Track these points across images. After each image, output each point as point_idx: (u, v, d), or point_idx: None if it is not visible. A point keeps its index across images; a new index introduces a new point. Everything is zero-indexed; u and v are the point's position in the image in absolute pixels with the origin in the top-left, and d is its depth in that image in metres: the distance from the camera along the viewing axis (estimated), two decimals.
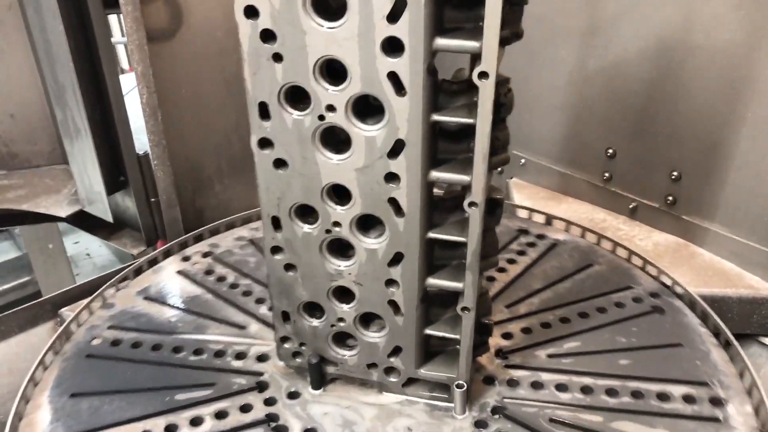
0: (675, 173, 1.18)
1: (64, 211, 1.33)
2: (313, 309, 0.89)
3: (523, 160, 1.41)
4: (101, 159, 1.21)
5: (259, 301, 1.11)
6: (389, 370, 0.90)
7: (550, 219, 1.22)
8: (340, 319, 0.88)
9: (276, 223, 0.82)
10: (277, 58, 0.71)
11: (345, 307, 0.86)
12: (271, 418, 0.89)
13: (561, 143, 1.32)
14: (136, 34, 1.06)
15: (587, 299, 1.08)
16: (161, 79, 1.14)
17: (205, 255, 1.22)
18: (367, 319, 0.88)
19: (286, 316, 0.90)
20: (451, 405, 0.89)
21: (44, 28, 1.09)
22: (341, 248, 0.83)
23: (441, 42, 0.67)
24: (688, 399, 0.89)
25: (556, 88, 1.29)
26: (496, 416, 0.88)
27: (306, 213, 0.81)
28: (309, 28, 0.68)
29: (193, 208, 1.30)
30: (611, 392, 0.91)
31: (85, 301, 1.10)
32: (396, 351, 0.88)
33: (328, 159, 0.76)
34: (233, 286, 1.14)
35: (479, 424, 0.87)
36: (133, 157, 1.22)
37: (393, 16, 0.65)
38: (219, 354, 1.00)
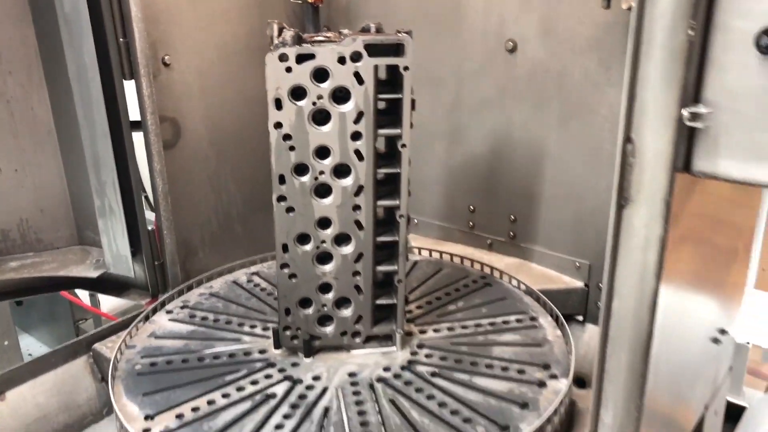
0: (512, 216, 1.86)
1: (93, 274, 1.72)
2: (306, 303, 1.42)
3: (416, 221, 2.05)
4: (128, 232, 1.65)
5: (240, 324, 1.59)
6: (355, 334, 1.45)
7: (437, 252, 1.88)
8: (323, 306, 1.42)
9: (285, 247, 1.36)
10: (291, 148, 1.29)
11: (326, 296, 1.42)
12: (287, 377, 1.39)
13: (440, 206, 1.99)
14: (156, 145, 1.58)
15: (446, 286, 1.73)
16: (169, 174, 1.65)
17: (183, 307, 1.67)
18: (339, 303, 1.43)
19: (287, 311, 1.42)
20: (394, 348, 1.46)
21: (95, 144, 1.54)
22: (324, 258, 1.39)
23: (381, 131, 1.30)
24: (519, 320, 1.57)
25: (434, 169, 1.96)
26: (421, 349, 1.47)
27: (304, 238, 1.37)
28: (310, 131, 1.28)
29: (184, 269, 1.76)
30: (479, 325, 1.55)
31: (120, 341, 1.50)
32: (359, 319, 1.44)
33: (318, 202, 1.33)
34: (216, 320, 1.61)
35: (413, 354, 1.45)
36: (145, 231, 1.67)
37: (356, 121, 1.28)
38: (232, 355, 1.46)
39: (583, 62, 1.63)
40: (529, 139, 1.78)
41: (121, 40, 1.60)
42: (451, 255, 1.85)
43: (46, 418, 1.60)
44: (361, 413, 1.27)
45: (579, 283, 1.79)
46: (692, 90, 0.94)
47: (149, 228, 1.71)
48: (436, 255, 1.89)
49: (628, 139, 0.97)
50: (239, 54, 1.87)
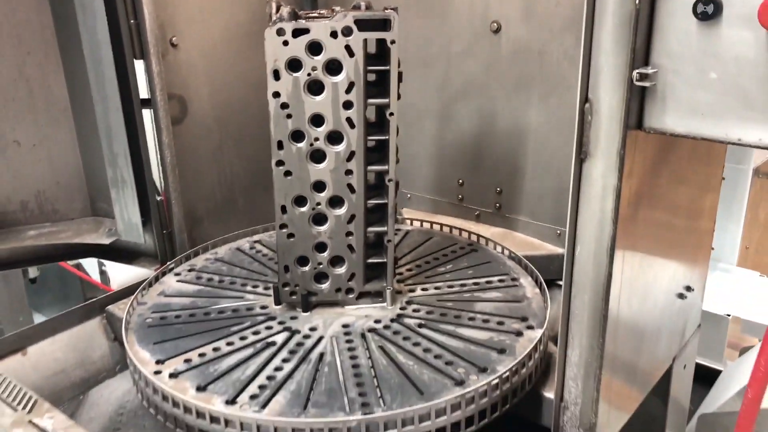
0: (498, 189, 1.98)
1: (105, 241, 1.85)
2: (303, 261, 1.55)
3: (409, 195, 2.17)
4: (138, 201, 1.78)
5: (243, 285, 1.71)
6: (348, 290, 1.58)
7: (427, 222, 2.01)
8: (319, 264, 1.55)
9: (283, 209, 1.49)
10: (288, 116, 1.41)
11: (322, 255, 1.54)
12: (286, 328, 1.51)
13: (430, 181, 2.10)
14: (165, 120, 1.70)
15: (435, 252, 1.85)
16: (176, 149, 1.77)
17: (190, 270, 1.80)
18: (334, 261, 1.56)
19: (286, 269, 1.54)
20: (385, 303, 1.59)
21: (108, 117, 1.66)
22: (320, 219, 1.52)
23: (370, 101, 1.42)
24: (501, 280, 1.69)
25: (425, 146, 2.07)
26: (409, 305, 1.59)
27: (300, 201, 1.49)
28: (305, 100, 1.40)
29: (191, 238, 1.89)
30: (464, 284, 1.67)
31: (131, 298, 1.63)
32: (352, 276, 1.56)
33: (314, 167, 1.46)
34: (220, 281, 1.73)
35: (402, 309, 1.58)
36: (154, 201, 1.80)
37: (348, 90, 1.40)
38: (235, 310, 1.59)
39: (561, 41, 1.75)
40: (513, 115, 1.90)
41: (131, 21, 1.72)
42: (441, 225, 1.97)
43: (64, 372, 1.73)
44: (353, 357, 1.39)
45: (560, 250, 1.91)
46: (642, 54, 1.06)
47: (158, 199, 1.84)
48: (426, 225, 2.01)
49: (585, 99, 1.09)
50: (241, 36, 2.00)
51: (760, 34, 0.94)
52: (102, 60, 1.70)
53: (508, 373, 1.31)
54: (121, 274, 3.02)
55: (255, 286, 1.69)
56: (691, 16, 0.99)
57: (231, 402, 1.27)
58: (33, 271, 3.15)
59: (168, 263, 1.78)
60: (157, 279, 1.73)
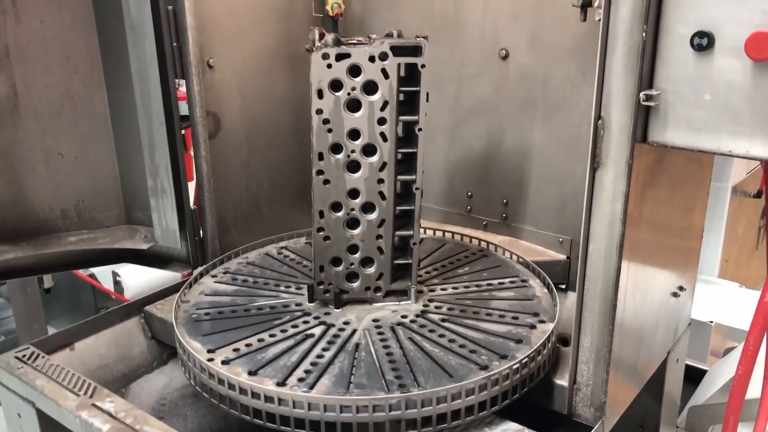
0: (505, 200, 2.15)
1: (143, 246, 1.98)
2: (337, 261, 1.71)
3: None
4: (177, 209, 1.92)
5: (277, 285, 1.86)
6: (377, 289, 1.74)
7: (440, 231, 2.18)
8: (351, 264, 1.71)
9: (321, 214, 1.65)
10: (329, 131, 1.58)
11: (354, 256, 1.70)
12: (322, 322, 1.67)
13: (441, 193, 2.26)
14: (203, 135, 1.87)
15: (449, 257, 2.02)
16: (212, 160, 1.93)
17: (225, 273, 1.94)
18: (364, 262, 1.72)
19: (321, 269, 1.70)
20: (409, 300, 1.75)
21: (152, 131, 1.82)
22: (353, 223, 1.68)
23: (401, 118, 1.60)
24: (512, 282, 1.86)
25: (437, 161, 2.23)
26: (431, 303, 1.76)
27: (337, 206, 1.66)
28: (345, 116, 1.57)
29: (221, 245, 2.04)
30: (479, 285, 1.84)
31: (175, 296, 1.77)
32: (380, 276, 1.72)
33: (350, 176, 1.62)
34: (255, 282, 1.88)
35: (425, 306, 1.74)
36: (189, 210, 1.95)
37: (382, 108, 1.57)
38: (273, 307, 1.74)
39: (564, 67, 1.94)
40: (519, 133, 2.09)
41: (174, 44, 1.89)
42: (453, 233, 2.15)
43: (107, 367, 1.86)
44: (385, 347, 1.55)
45: (562, 256, 2.09)
46: (647, 78, 1.25)
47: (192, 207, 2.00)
48: (439, 234, 2.18)
49: (599, 117, 1.28)
50: (269, 59, 2.17)
51: (746, 62, 1.13)
52: (149, 78, 1.86)
53: (526, 359, 1.48)
54: (136, 284, 3.15)
55: (288, 287, 1.85)
56: (689, 47, 1.18)
57: (281, 384, 1.42)
58: (48, 281, 3.26)
59: (206, 266, 1.93)
60: (196, 280, 1.88)
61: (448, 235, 2.16)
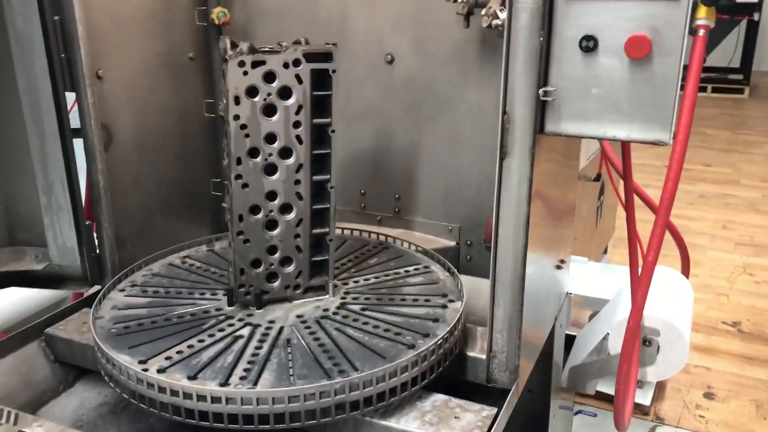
0: (397, 195, 2.28)
1: (37, 267, 1.87)
2: (257, 263, 1.75)
3: None
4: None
5: (191, 293, 1.86)
6: (296, 287, 1.80)
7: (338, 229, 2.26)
8: (271, 264, 1.76)
9: (240, 217, 1.69)
10: (246, 135, 1.62)
11: (273, 257, 1.76)
12: (247, 323, 1.70)
13: (339, 192, 2.37)
14: (98, 147, 1.83)
15: (352, 252, 2.13)
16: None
17: (132, 286, 1.91)
18: (284, 262, 1.78)
19: (242, 272, 1.74)
20: (327, 295, 1.83)
21: (44, 147, 1.74)
22: (272, 224, 1.74)
23: (315, 121, 1.69)
24: (416, 269, 2.00)
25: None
26: (348, 295, 1.85)
27: (255, 209, 1.70)
28: (261, 121, 1.63)
29: (119, 260, 1.99)
30: (388, 274, 1.97)
31: (74, 316, 1.72)
32: (299, 274, 1.79)
33: (267, 179, 1.68)
34: (167, 292, 1.87)
35: (342, 299, 1.83)
36: (85, 226, 1.89)
37: (297, 112, 1.65)
38: (193, 314, 1.75)
39: (446, 70, 2.12)
40: (407, 133, 2.25)
41: (62, 56, 1.84)
42: (351, 229, 2.26)
43: (11, 396, 1.76)
44: (316, 339, 1.63)
45: (452, 243, 2.27)
46: (543, 77, 1.43)
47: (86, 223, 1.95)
48: (338, 232, 2.28)
49: (504, 112, 1.45)
50: (155, 70, 2.15)
51: (624, 61, 1.35)
52: (39, 92, 1.79)
53: (447, 335, 1.62)
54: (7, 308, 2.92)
55: (203, 294, 1.86)
56: (578, 49, 1.38)
57: (224, 384, 1.45)
58: None
59: (112, 280, 1.89)
60: (104, 296, 1.84)
61: (347, 232, 2.27)
